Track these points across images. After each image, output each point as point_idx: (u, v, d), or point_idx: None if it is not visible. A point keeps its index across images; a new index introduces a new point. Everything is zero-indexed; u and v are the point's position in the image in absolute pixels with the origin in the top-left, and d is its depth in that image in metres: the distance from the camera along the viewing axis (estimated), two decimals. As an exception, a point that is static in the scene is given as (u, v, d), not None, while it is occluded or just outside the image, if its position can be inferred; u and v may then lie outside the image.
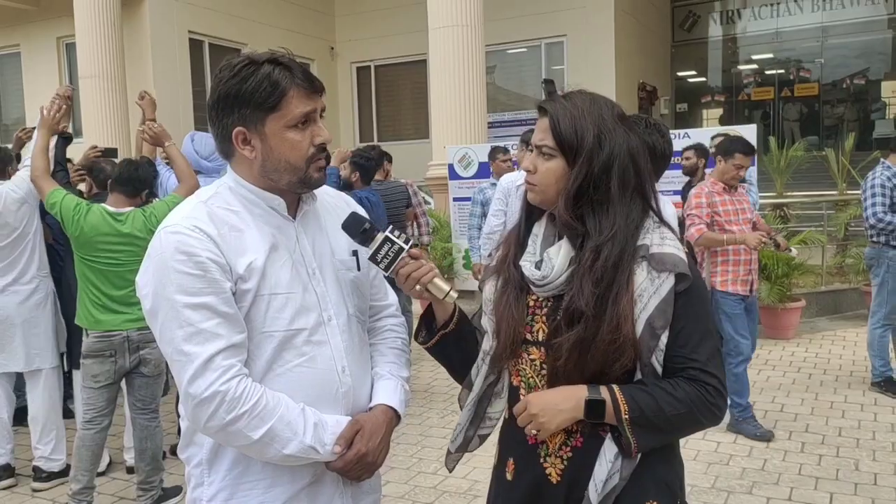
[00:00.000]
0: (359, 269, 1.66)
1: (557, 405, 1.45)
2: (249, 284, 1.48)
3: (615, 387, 1.43)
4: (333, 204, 1.69)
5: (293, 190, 1.55)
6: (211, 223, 1.48)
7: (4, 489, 4.14)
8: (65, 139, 4.27)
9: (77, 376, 4.17)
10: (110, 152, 4.80)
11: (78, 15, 10.66)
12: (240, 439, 1.45)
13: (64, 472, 4.13)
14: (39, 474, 4.14)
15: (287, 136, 1.49)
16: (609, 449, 1.46)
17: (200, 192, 1.59)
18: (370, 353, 1.74)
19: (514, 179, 5.43)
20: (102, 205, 3.62)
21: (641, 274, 1.44)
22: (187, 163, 3.91)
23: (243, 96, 1.47)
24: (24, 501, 4.01)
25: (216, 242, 1.47)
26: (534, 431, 1.48)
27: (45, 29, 13.11)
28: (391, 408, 1.65)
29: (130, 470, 4.17)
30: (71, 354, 4.45)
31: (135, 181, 3.68)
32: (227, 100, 1.49)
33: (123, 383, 3.77)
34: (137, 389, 3.70)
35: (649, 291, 1.43)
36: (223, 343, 1.43)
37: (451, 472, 1.75)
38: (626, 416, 1.41)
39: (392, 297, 1.83)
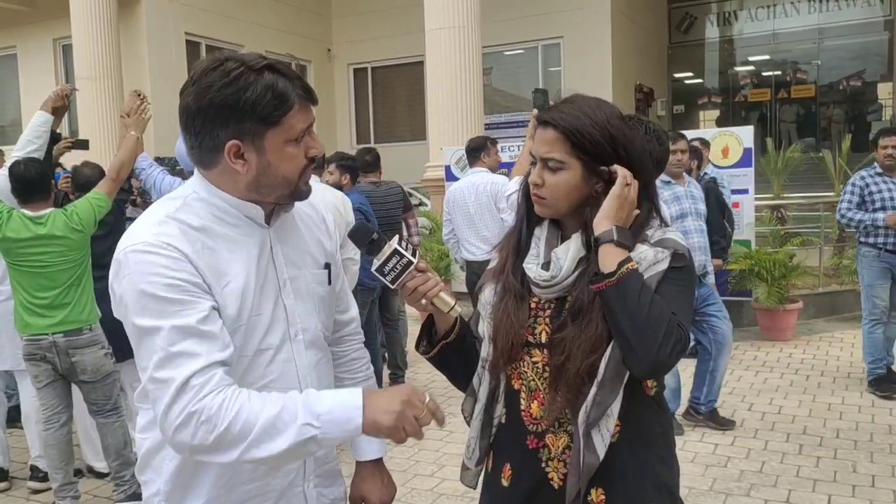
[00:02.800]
0: (329, 283, 1.59)
1: (625, 204, 1.47)
2: (230, 311, 1.38)
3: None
4: (306, 213, 1.60)
5: (281, 202, 1.46)
6: (184, 239, 1.36)
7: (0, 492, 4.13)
8: (53, 138, 4.23)
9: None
10: (81, 144, 4.64)
11: (74, 16, 10.65)
12: (232, 456, 1.29)
13: None
14: (37, 474, 4.14)
15: (286, 150, 1.38)
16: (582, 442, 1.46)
17: (165, 203, 1.44)
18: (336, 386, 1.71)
19: (451, 189, 5.58)
20: (22, 210, 3.61)
21: (640, 247, 1.48)
22: (129, 161, 3.84)
23: (243, 108, 1.33)
24: (19, 505, 3.99)
25: (191, 261, 1.34)
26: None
27: (41, 30, 13.10)
28: (376, 459, 1.72)
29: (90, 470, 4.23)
30: None
31: (34, 183, 3.62)
32: (223, 110, 1.34)
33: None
34: (87, 394, 3.74)
35: (649, 260, 1.46)
36: (201, 362, 1.29)
37: (474, 488, 1.70)
38: (628, 267, 1.40)
39: (354, 310, 1.76)
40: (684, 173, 4.62)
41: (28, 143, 4.02)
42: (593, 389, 1.43)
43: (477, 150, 5.46)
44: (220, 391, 1.29)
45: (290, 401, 1.30)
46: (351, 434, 1.32)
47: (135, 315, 1.32)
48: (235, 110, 1.34)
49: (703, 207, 4.55)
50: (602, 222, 1.45)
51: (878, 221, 5.08)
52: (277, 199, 1.44)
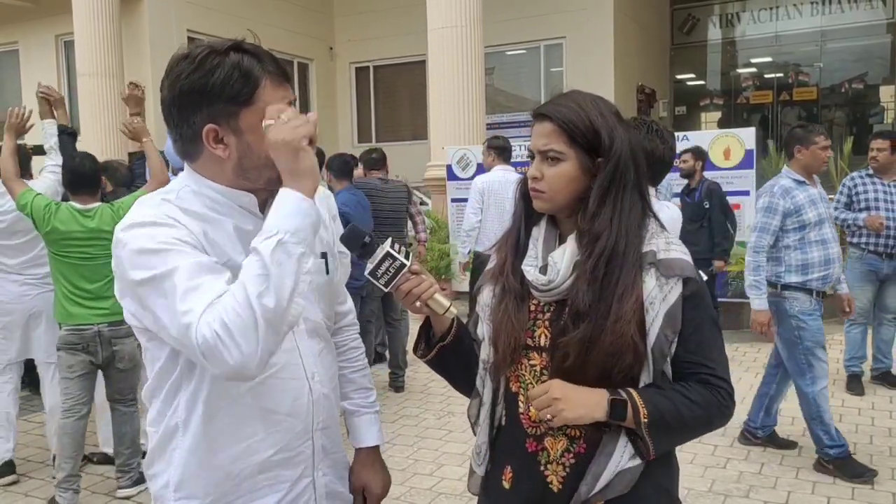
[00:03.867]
0: (328, 272, 1.57)
1: (579, 398, 1.40)
2: None
3: (632, 390, 1.41)
4: None
5: (271, 187, 1.41)
6: (186, 218, 1.36)
7: (6, 485, 4.13)
8: (71, 135, 4.28)
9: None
10: (38, 149, 4.61)
11: (76, 12, 10.65)
12: (275, 323, 1.25)
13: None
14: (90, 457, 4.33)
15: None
16: (611, 446, 1.44)
17: (159, 194, 1.44)
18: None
19: (487, 180, 5.91)
20: (70, 203, 3.72)
21: (651, 281, 1.43)
22: (160, 159, 3.98)
23: (212, 91, 1.32)
24: (17, 501, 3.99)
25: (194, 233, 1.35)
26: (549, 416, 1.41)
27: (43, 26, 13.09)
28: (375, 446, 1.73)
29: (107, 460, 4.23)
30: None
31: (87, 177, 3.74)
32: (192, 95, 1.34)
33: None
34: (115, 382, 3.84)
35: (659, 299, 1.42)
36: (221, 289, 1.27)
37: (477, 495, 1.70)
38: (645, 420, 1.39)
39: (349, 302, 1.77)
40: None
41: (50, 150, 4.20)
42: (631, 462, 1.43)
43: (506, 151, 6.00)
44: (213, 306, 1.25)
45: (245, 262, 1.27)
46: (301, 207, 1.28)
47: (141, 272, 1.30)
48: (205, 94, 1.33)
49: (832, 212, 4.12)
50: (595, 413, 1.40)
51: (858, 221, 5.16)
52: (267, 183, 1.41)
